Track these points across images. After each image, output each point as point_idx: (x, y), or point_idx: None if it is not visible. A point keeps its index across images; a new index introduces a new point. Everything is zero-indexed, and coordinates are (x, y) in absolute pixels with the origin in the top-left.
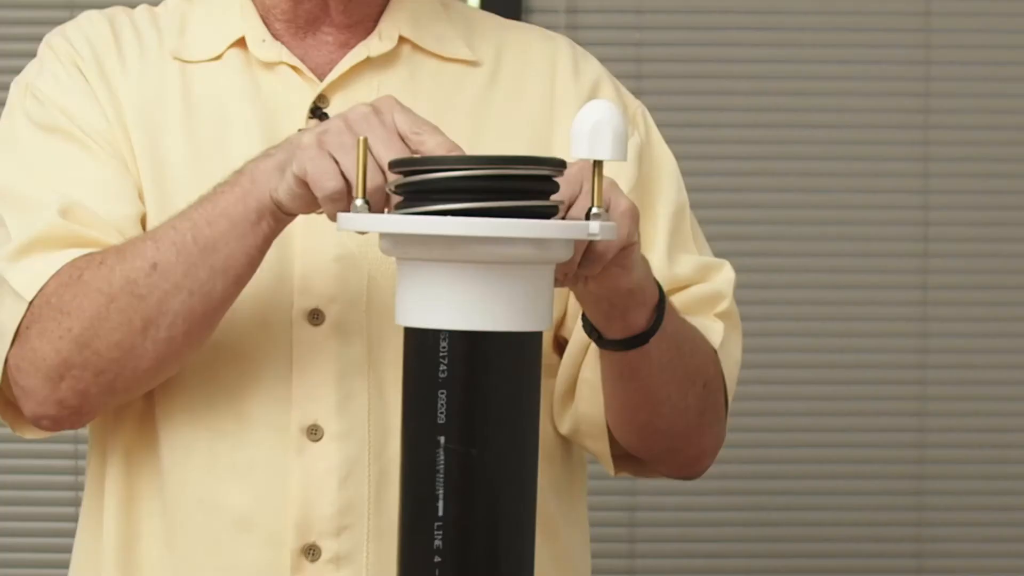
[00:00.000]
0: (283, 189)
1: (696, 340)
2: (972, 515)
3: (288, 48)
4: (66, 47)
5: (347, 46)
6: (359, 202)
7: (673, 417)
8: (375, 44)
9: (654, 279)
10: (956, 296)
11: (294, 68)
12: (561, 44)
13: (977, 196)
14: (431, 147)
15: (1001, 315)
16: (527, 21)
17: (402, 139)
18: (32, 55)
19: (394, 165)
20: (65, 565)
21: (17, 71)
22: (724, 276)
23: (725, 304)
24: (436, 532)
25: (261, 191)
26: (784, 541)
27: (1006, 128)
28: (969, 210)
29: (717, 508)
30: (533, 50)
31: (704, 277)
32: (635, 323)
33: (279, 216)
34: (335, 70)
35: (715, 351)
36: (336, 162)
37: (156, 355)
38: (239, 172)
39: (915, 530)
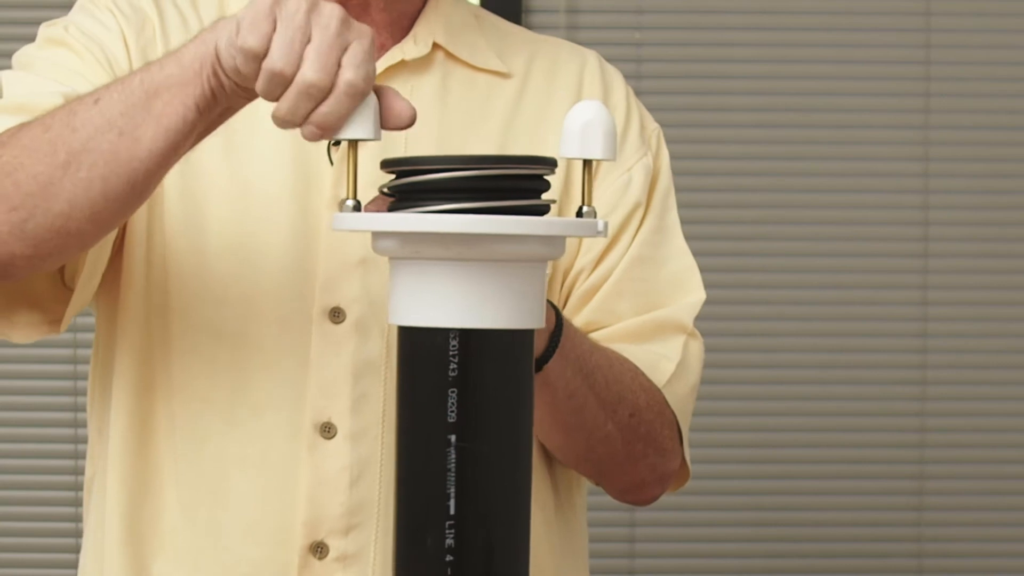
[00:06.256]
0: (224, 37)
1: (616, 369)
2: (972, 515)
3: None
4: (108, 2)
5: (383, 49)
6: (350, 202)
7: (592, 444)
8: (410, 48)
9: (552, 305)
10: (956, 296)
11: None
12: (590, 59)
13: (977, 196)
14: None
15: (1001, 315)
16: (527, 21)
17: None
18: None
19: (386, 165)
20: (65, 565)
21: None
22: (688, 301)
23: (684, 332)
24: (448, 531)
25: (211, 38)
26: (784, 541)
27: (1006, 128)
28: (969, 210)
29: (717, 508)
30: (562, 64)
31: (664, 303)
32: None
33: (219, 73)
34: None
35: (650, 380)
36: (273, 28)
37: (71, 197)
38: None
39: (915, 530)
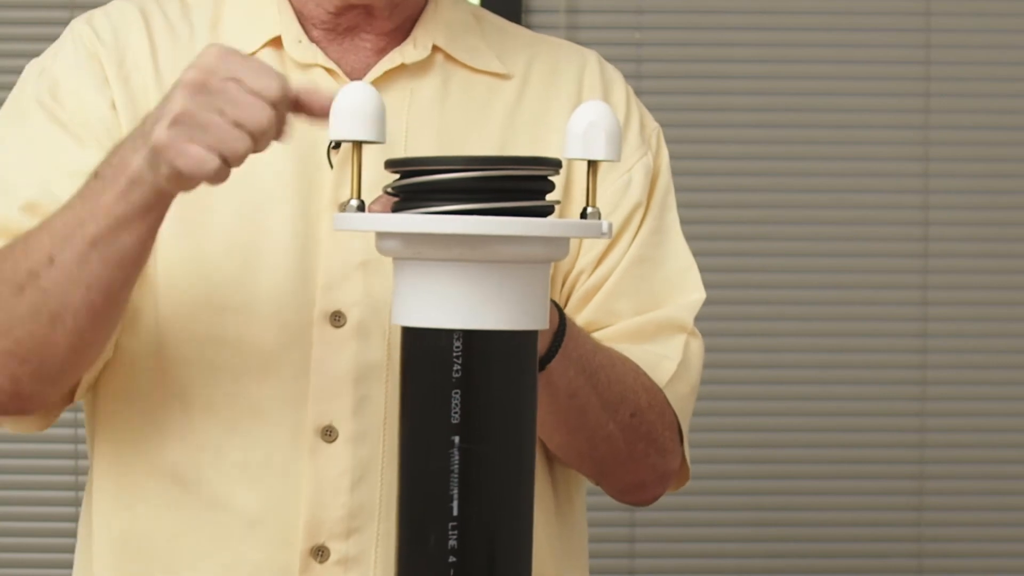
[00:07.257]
0: (165, 181)
1: (619, 369)
2: (972, 515)
3: (324, 51)
4: (89, 35)
5: (383, 52)
6: (354, 202)
7: (593, 443)
8: (409, 51)
9: (554, 304)
10: (956, 296)
11: (329, 70)
12: (590, 59)
13: (977, 196)
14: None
15: (1001, 315)
16: (527, 21)
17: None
18: (32, 55)
19: (391, 165)
20: (66, 565)
21: (17, 72)
22: (688, 300)
23: (684, 331)
24: (451, 532)
25: (143, 188)
26: (784, 541)
27: (1006, 128)
28: (969, 210)
29: (717, 508)
30: (562, 64)
31: (661, 304)
32: None
33: (166, 200)
34: (370, 74)
35: (651, 380)
36: (205, 144)
37: (70, 346)
38: (111, 166)
39: (915, 530)
